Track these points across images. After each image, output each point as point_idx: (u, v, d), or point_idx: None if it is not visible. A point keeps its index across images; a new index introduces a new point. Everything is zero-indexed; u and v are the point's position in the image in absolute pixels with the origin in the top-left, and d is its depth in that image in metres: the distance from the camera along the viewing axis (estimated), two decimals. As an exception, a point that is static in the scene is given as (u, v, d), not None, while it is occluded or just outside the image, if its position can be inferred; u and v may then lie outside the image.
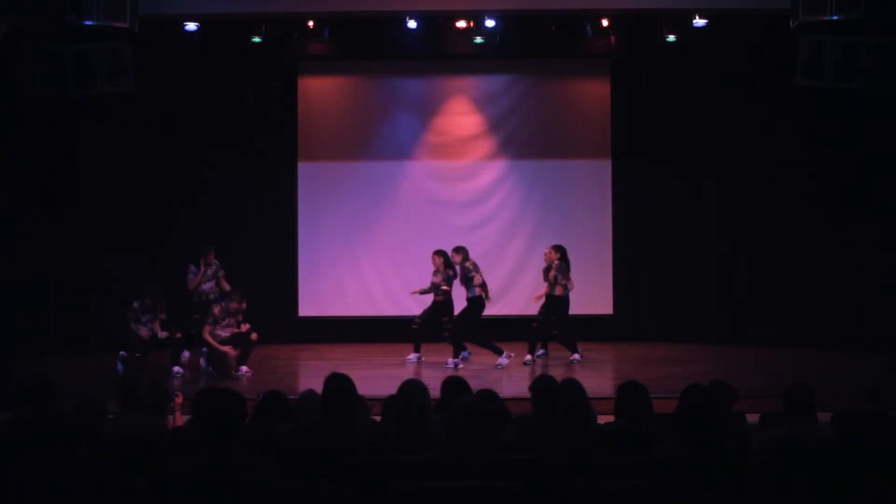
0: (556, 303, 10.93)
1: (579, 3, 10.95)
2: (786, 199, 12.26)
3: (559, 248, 10.99)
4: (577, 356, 10.95)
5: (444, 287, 11.01)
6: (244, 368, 10.24)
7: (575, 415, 4.46)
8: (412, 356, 11.11)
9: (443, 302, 11.08)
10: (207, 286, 11.10)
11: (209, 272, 11.08)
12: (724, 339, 12.22)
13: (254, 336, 10.30)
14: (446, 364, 10.57)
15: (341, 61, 13.10)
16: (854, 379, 9.89)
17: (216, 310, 10.33)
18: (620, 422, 5.09)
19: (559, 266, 10.86)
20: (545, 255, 11.11)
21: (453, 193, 13.17)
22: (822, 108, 11.59)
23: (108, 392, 6.41)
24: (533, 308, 11.34)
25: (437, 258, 11.10)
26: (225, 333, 10.26)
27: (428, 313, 11.19)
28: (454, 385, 5.54)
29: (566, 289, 10.90)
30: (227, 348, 10.19)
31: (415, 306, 11.98)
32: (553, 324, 11.03)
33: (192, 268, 11.06)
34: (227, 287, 10.96)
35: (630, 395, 5.14)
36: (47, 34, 9.44)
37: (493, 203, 13.18)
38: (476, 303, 10.76)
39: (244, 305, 10.39)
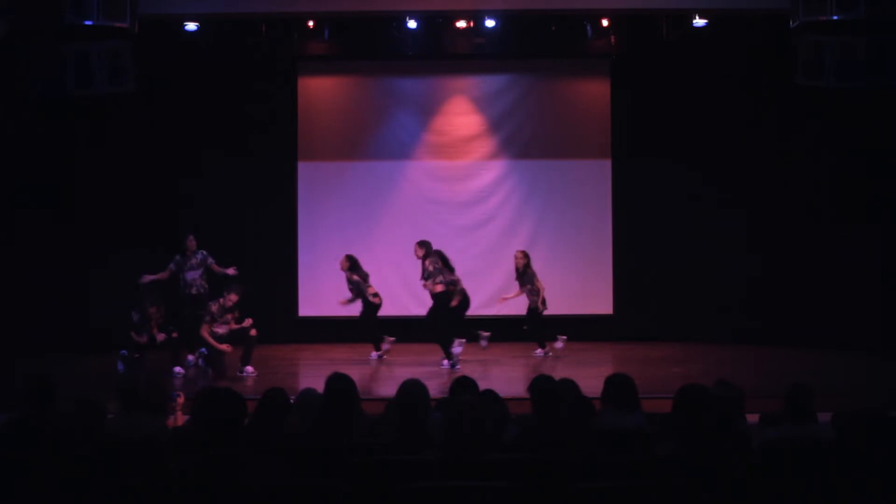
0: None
1: (579, 3, 11.00)
2: (786, 199, 12.27)
3: (525, 254, 11.53)
4: (541, 351, 11.33)
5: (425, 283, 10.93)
6: (249, 368, 10.15)
7: (575, 415, 4.47)
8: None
9: (436, 296, 10.90)
10: (190, 276, 10.68)
11: (194, 261, 10.70)
12: (724, 339, 12.23)
13: (253, 332, 10.19)
14: (441, 365, 10.48)
15: (341, 61, 13.11)
16: (854, 379, 9.89)
17: (213, 308, 10.22)
18: (609, 411, 5.11)
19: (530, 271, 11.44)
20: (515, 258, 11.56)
21: (453, 193, 13.16)
22: (822, 108, 11.59)
23: (108, 392, 6.41)
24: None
25: (418, 249, 11.04)
26: (222, 331, 10.21)
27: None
28: (462, 385, 5.52)
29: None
30: (224, 346, 10.15)
31: (415, 306, 11.97)
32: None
33: (178, 258, 10.72)
34: (218, 269, 10.68)
35: (615, 385, 5.21)
36: (47, 34, 9.43)
37: (493, 203, 13.18)
38: (440, 298, 10.66)
39: (239, 297, 10.27)
